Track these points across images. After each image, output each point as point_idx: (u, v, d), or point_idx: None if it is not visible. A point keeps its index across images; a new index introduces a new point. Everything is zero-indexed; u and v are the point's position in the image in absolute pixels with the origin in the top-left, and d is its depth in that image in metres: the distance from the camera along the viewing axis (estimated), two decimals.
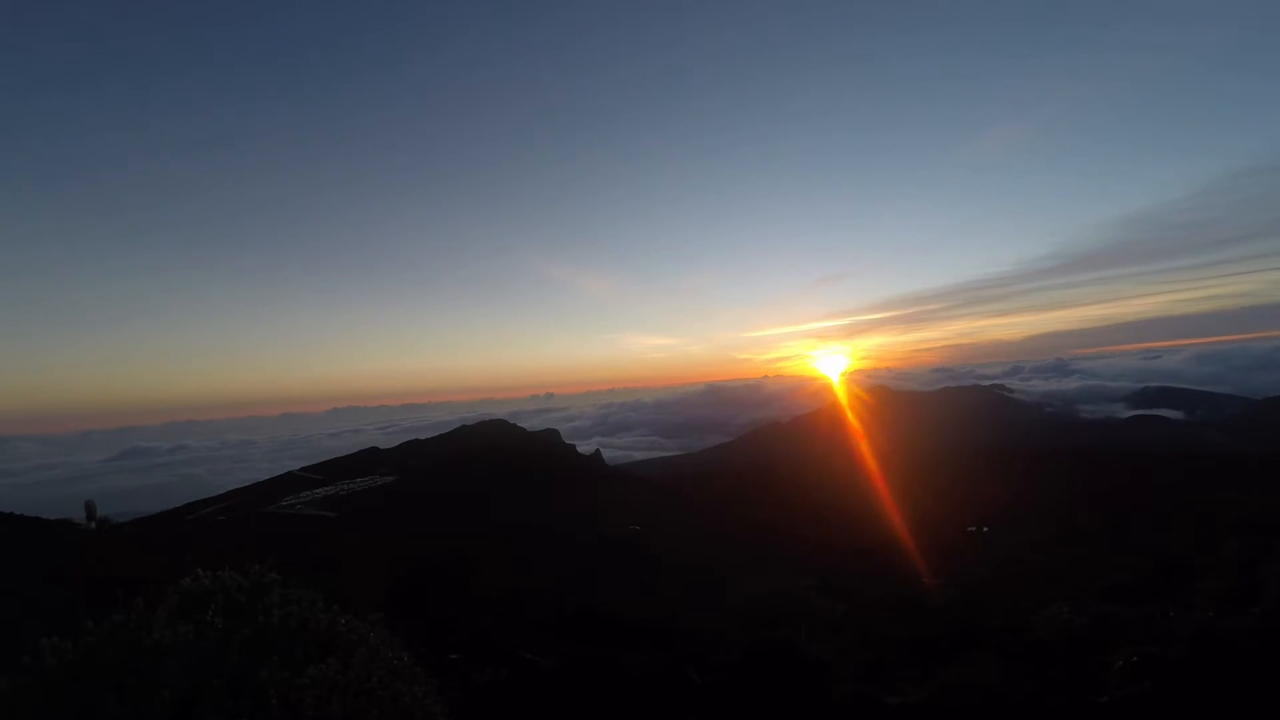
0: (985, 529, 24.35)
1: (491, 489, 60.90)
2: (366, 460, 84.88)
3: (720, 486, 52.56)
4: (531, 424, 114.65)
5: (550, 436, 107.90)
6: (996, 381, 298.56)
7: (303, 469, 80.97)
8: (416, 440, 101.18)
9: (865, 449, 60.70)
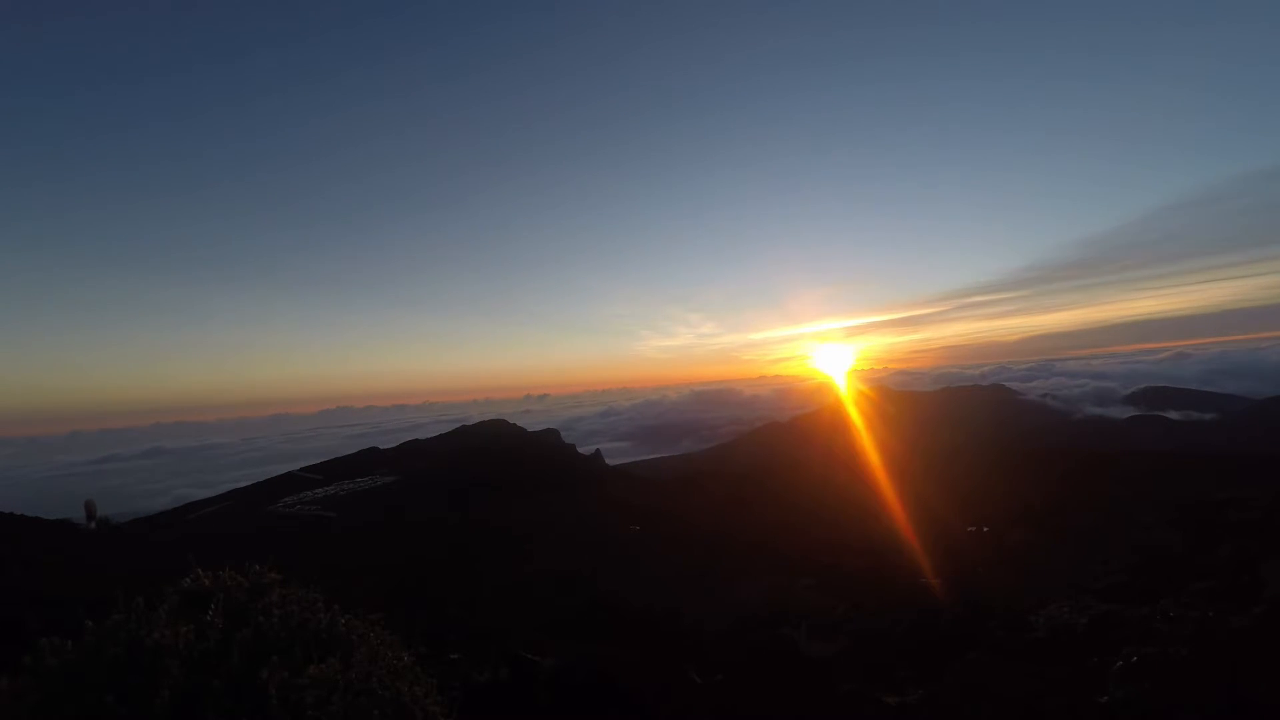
0: (985, 529, 24.34)
1: (491, 489, 60.92)
2: (366, 460, 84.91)
3: (720, 486, 52.53)
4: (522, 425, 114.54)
5: (550, 436, 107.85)
6: (996, 382, 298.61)
7: (303, 469, 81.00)
8: (416, 440, 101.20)
9: (865, 448, 60.67)
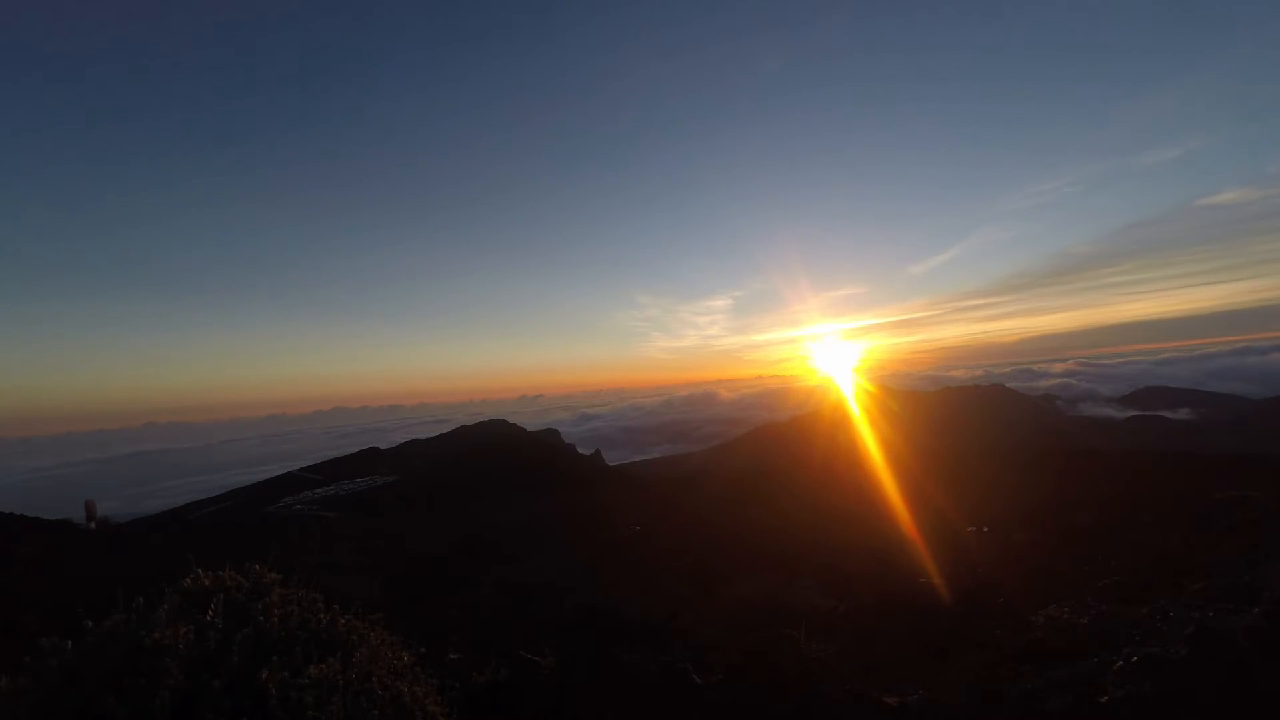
0: (985, 529, 24.33)
1: (491, 489, 60.90)
2: (366, 460, 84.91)
3: (720, 486, 52.50)
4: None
5: (550, 436, 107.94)
6: (995, 382, 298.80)
7: (303, 469, 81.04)
8: (417, 440, 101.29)
9: (865, 449, 60.68)
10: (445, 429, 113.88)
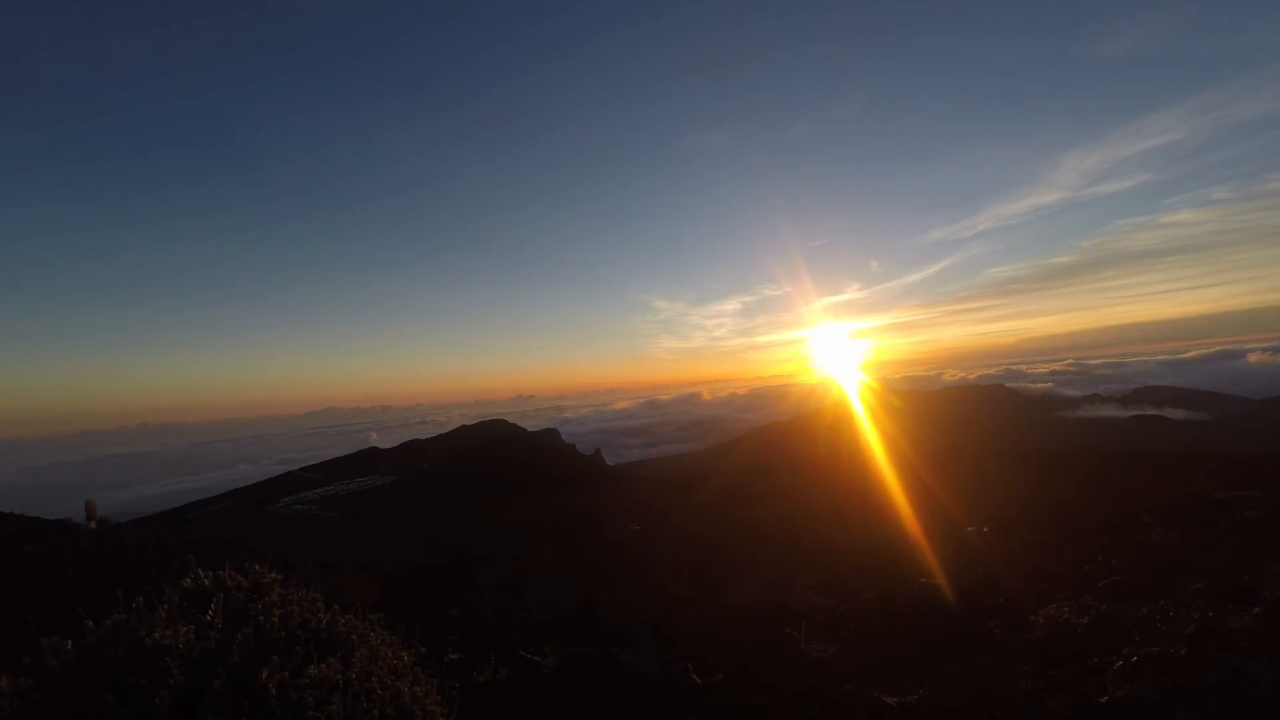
0: (986, 528, 24.33)
1: (490, 488, 60.89)
2: (366, 460, 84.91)
3: (720, 485, 52.49)
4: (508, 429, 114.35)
5: (550, 436, 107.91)
6: (996, 382, 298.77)
7: (303, 469, 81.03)
8: (417, 440, 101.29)
9: (865, 449, 60.67)
10: (434, 430, 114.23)
